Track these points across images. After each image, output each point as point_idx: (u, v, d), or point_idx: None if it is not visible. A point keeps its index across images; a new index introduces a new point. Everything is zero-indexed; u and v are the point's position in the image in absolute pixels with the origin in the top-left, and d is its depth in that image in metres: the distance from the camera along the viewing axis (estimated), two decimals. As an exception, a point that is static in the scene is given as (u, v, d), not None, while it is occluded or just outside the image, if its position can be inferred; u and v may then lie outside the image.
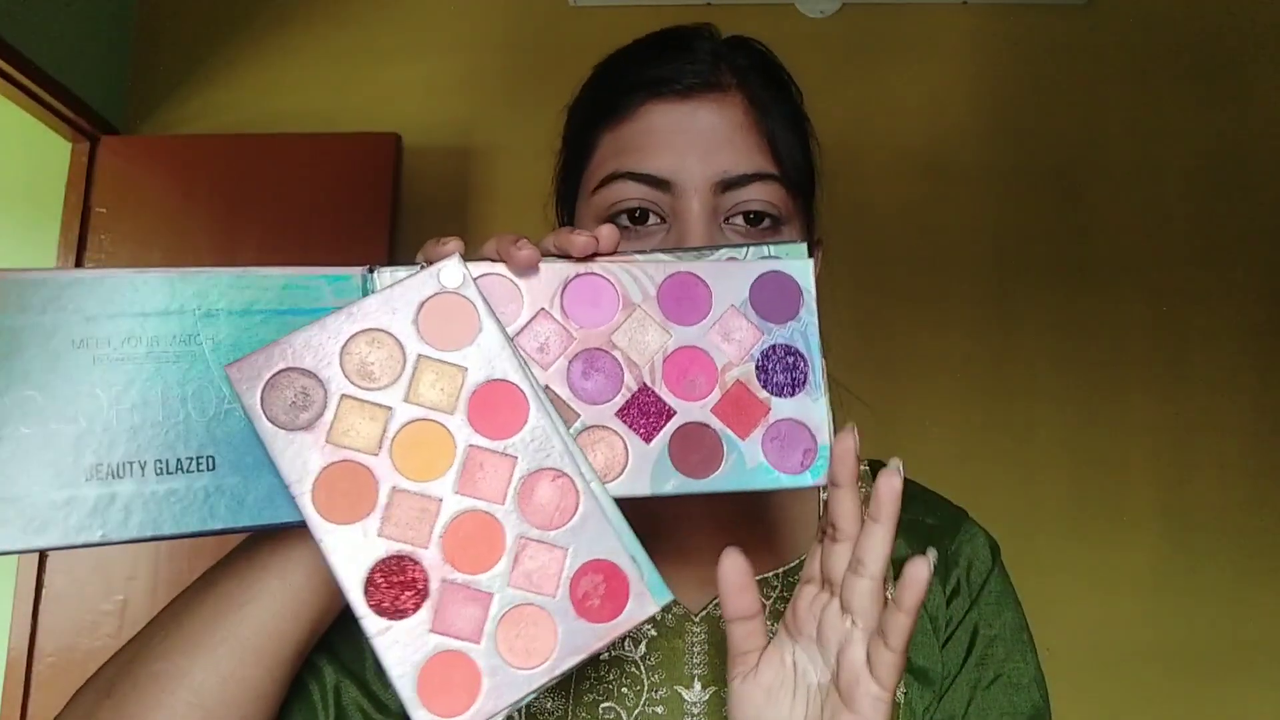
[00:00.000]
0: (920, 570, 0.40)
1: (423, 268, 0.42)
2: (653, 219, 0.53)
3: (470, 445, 0.40)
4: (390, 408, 0.40)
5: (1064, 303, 1.92)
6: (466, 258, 0.43)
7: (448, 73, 2.02)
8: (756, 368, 0.45)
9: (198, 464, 0.39)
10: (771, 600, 0.56)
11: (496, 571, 0.40)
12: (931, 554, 0.41)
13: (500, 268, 0.43)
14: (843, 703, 0.41)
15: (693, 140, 0.53)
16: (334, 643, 0.51)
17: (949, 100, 1.99)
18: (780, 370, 0.45)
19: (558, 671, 0.39)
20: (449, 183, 1.98)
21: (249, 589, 0.43)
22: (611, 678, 0.54)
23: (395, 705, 0.51)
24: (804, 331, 0.45)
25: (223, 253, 1.87)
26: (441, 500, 0.40)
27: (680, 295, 0.45)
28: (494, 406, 0.41)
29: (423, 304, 0.41)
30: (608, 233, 0.44)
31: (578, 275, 0.44)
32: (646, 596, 0.40)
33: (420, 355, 0.41)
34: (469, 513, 0.40)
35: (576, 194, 0.58)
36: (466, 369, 0.41)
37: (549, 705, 0.53)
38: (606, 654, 0.53)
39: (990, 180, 1.96)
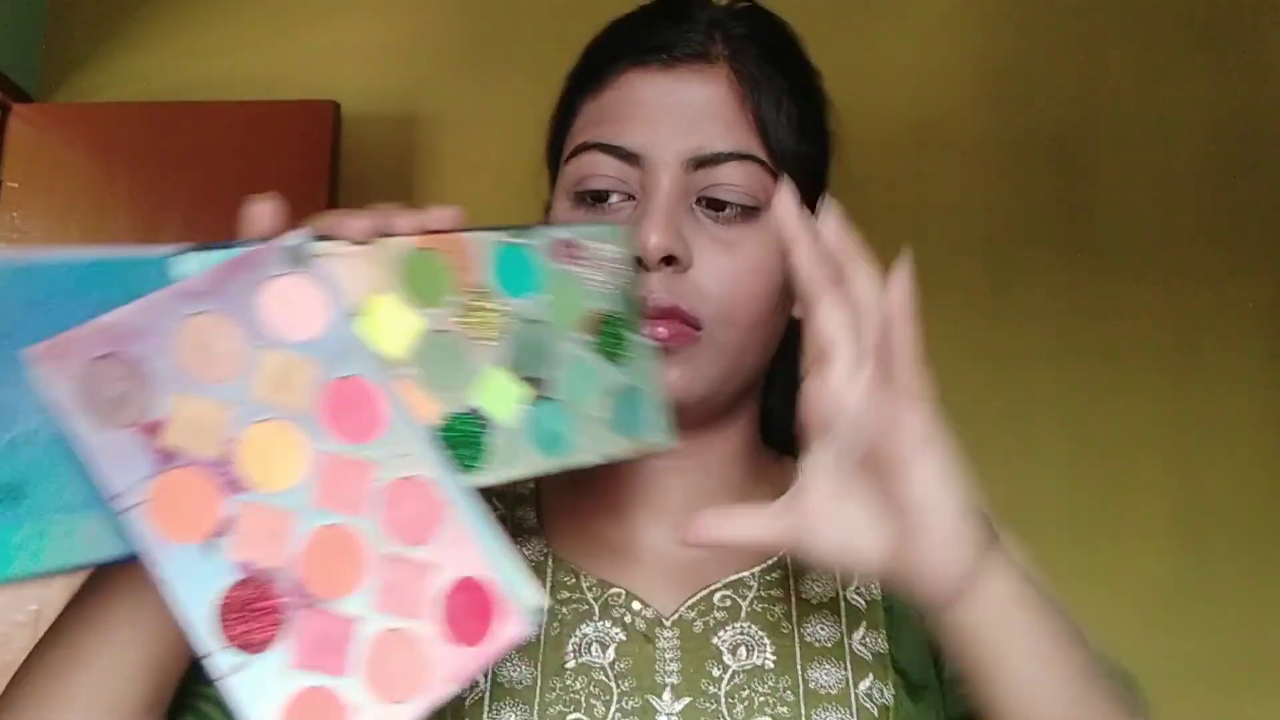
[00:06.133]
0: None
1: (255, 245, 0.40)
2: (615, 197, 0.54)
3: (324, 450, 0.38)
4: (233, 404, 0.37)
5: (1064, 285, 1.89)
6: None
7: (391, 34, 1.98)
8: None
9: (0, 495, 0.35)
10: (748, 600, 0.56)
11: (360, 593, 0.38)
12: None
13: (338, 246, 0.42)
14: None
15: (668, 113, 0.54)
16: None
17: (938, 64, 1.96)
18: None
19: (432, 702, 0.38)
20: (393, 154, 1.95)
21: (103, 638, 0.42)
22: (579, 687, 0.54)
23: None
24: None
25: (144, 232, 1.84)
26: (295, 513, 0.38)
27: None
28: (348, 405, 0.39)
29: (266, 284, 0.39)
30: (442, 214, 0.45)
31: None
32: (519, 612, 0.40)
33: (266, 344, 0.38)
34: (327, 527, 0.38)
35: (559, 166, 0.59)
36: (318, 361, 0.39)
37: (512, 717, 0.53)
38: (572, 661, 0.54)
39: (982, 152, 1.93)
